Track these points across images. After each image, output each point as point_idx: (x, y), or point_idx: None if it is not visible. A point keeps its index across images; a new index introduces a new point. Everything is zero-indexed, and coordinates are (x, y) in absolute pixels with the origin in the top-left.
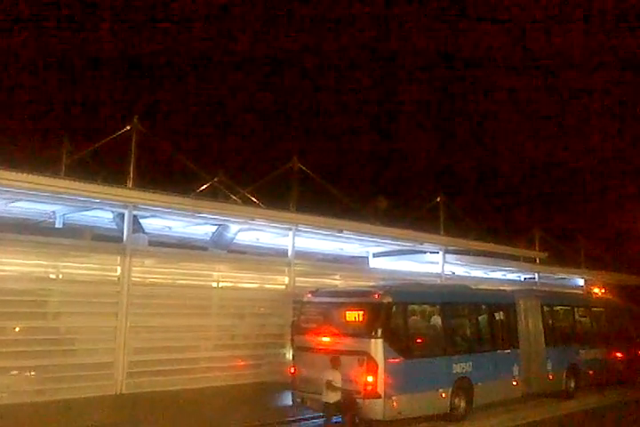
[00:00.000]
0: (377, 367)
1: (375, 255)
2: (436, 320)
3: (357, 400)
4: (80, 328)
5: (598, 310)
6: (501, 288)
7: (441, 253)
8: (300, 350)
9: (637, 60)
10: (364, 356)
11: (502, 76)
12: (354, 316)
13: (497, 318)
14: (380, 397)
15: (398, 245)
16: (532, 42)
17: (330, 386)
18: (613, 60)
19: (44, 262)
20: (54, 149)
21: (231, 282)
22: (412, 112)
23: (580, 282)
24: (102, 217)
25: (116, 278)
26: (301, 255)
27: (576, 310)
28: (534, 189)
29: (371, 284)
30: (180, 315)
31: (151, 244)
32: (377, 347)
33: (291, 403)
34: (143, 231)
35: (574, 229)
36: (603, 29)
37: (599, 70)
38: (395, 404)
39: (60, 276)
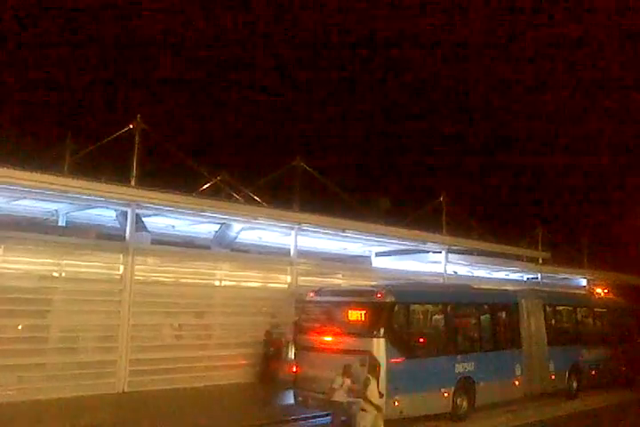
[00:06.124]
0: (379, 367)
1: (378, 255)
2: (439, 320)
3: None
4: (83, 326)
5: (601, 310)
6: (504, 288)
7: (444, 252)
8: (302, 349)
9: None
10: (367, 355)
11: (506, 69)
12: (356, 315)
13: (499, 317)
14: (382, 396)
15: (401, 244)
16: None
17: None
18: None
19: (48, 260)
20: (58, 147)
21: (234, 281)
22: (414, 112)
23: (583, 282)
24: (105, 215)
25: (118, 277)
26: (304, 254)
27: (579, 310)
28: (537, 189)
29: (373, 283)
30: (182, 313)
31: (154, 242)
32: (379, 346)
33: (293, 402)
34: (146, 230)
35: (577, 229)
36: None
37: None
38: (397, 403)
39: (63, 274)
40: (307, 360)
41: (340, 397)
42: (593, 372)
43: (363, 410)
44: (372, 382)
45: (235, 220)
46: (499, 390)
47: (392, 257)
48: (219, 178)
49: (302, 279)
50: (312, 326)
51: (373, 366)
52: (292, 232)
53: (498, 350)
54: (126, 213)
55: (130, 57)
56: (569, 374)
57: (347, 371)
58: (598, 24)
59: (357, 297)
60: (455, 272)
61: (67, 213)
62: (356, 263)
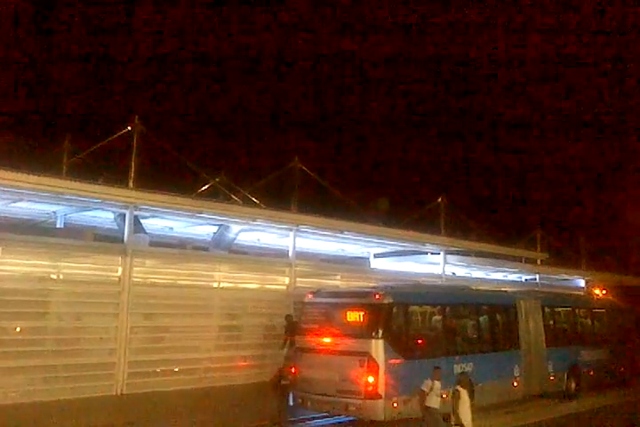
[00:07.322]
0: (378, 368)
1: (376, 256)
2: (437, 321)
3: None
4: (81, 329)
5: (599, 311)
6: (502, 289)
7: (442, 253)
8: (301, 350)
9: None
10: (365, 356)
11: (503, 75)
12: (355, 317)
13: (498, 318)
14: (380, 397)
15: (399, 245)
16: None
17: None
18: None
19: (45, 263)
20: (56, 149)
21: (232, 282)
22: (413, 113)
23: (581, 283)
24: (103, 217)
25: (117, 279)
26: (302, 256)
27: (577, 311)
28: (536, 190)
29: (372, 285)
30: (180, 315)
31: (152, 244)
32: (378, 348)
33: (292, 403)
34: (144, 232)
35: (576, 229)
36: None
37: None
38: (395, 405)
39: (61, 276)
40: (305, 362)
41: (433, 402)
42: (591, 372)
43: (457, 425)
44: (463, 395)
45: (233, 221)
46: (497, 391)
47: (390, 258)
48: (217, 179)
49: (301, 281)
50: (310, 328)
51: (467, 382)
52: (291, 234)
53: (496, 351)
54: (124, 214)
55: (128, 57)
56: (567, 375)
57: (436, 373)
58: None
59: (356, 299)
60: (453, 273)
61: (65, 215)
62: (355, 265)
